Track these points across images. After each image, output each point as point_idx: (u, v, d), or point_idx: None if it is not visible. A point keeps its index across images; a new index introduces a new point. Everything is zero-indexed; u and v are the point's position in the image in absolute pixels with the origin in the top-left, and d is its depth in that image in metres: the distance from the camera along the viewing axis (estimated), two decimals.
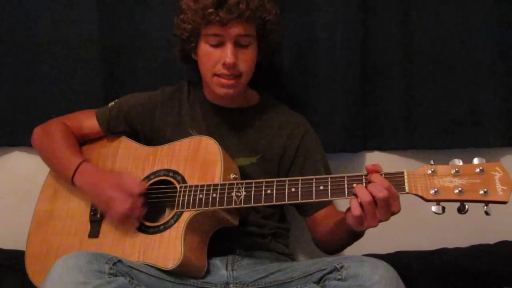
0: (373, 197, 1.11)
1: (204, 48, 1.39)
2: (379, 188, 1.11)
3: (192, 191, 1.30)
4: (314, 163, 1.48)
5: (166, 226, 1.30)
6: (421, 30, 1.67)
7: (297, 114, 1.55)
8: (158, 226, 1.31)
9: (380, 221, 1.14)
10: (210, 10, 1.32)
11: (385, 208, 1.12)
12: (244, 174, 1.40)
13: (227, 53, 1.35)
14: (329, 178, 1.20)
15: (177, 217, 1.29)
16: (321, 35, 1.64)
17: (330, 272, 1.18)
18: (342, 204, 1.45)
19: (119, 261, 1.19)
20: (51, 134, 1.50)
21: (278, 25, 1.44)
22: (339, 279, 1.15)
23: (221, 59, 1.36)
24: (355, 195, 1.14)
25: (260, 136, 1.48)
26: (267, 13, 1.39)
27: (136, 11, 1.68)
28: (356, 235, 1.29)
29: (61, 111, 1.61)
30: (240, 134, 1.48)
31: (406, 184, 1.13)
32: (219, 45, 1.36)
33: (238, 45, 1.37)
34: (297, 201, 1.21)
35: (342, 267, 1.16)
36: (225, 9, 1.32)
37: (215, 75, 1.38)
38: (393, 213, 1.14)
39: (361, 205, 1.13)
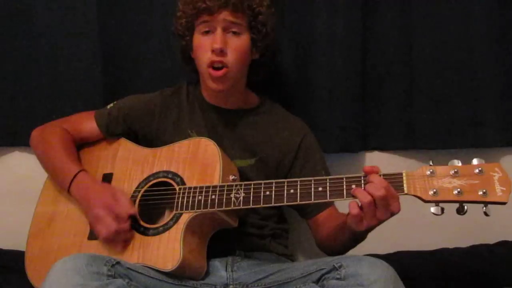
0: (372, 197, 1.11)
1: (197, 39, 1.41)
2: (377, 187, 1.12)
3: (191, 193, 1.29)
4: (313, 166, 1.48)
5: (165, 227, 1.29)
6: (421, 30, 1.66)
7: (296, 117, 1.55)
8: (157, 228, 1.31)
9: (380, 220, 1.14)
10: None
11: (384, 207, 1.12)
12: (242, 176, 1.40)
13: (215, 38, 1.36)
14: (327, 180, 1.20)
15: (176, 218, 1.29)
16: (321, 36, 1.64)
17: (329, 272, 1.18)
18: (341, 206, 1.44)
19: (118, 263, 1.19)
20: (48, 139, 1.49)
21: (271, 19, 1.45)
22: (338, 279, 1.15)
23: (211, 46, 1.37)
24: (354, 197, 1.14)
25: (258, 138, 1.48)
26: (256, 4, 1.41)
27: (137, 12, 1.68)
28: (358, 238, 1.29)
29: (61, 112, 1.62)
30: (238, 135, 1.48)
31: (405, 185, 1.14)
32: (210, 32, 1.39)
33: (228, 32, 1.38)
34: (296, 203, 1.21)
35: (341, 266, 1.16)
36: None
37: (207, 66, 1.39)
38: (393, 213, 1.14)
39: (360, 206, 1.13)
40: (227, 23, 1.37)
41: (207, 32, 1.39)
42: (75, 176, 1.40)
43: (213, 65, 1.38)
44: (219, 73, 1.38)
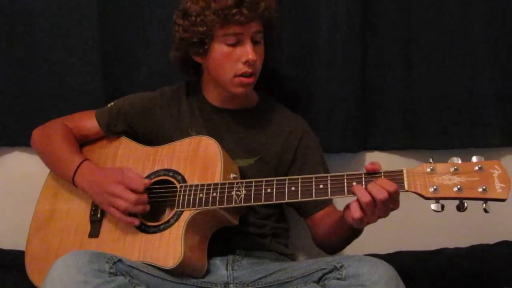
0: (373, 197, 1.11)
1: (221, 49, 1.38)
2: (379, 190, 1.11)
3: (192, 191, 1.30)
4: (313, 164, 1.48)
5: (166, 225, 1.30)
6: (421, 30, 1.66)
7: (296, 115, 1.55)
8: (158, 226, 1.31)
9: (379, 217, 1.15)
10: (234, 10, 1.32)
11: (384, 207, 1.12)
12: (242, 175, 1.40)
13: (249, 51, 1.36)
14: (328, 177, 1.21)
15: (177, 216, 1.30)
16: (321, 35, 1.64)
17: (330, 272, 1.18)
18: (341, 203, 1.45)
19: (119, 260, 1.19)
20: (51, 135, 1.50)
21: (279, 22, 1.46)
22: (338, 279, 1.15)
23: (241, 58, 1.36)
24: (354, 194, 1.15)
25: (258, 137, 1.49)
26: (273, 10, 1.41)
27: (137, 12, 1.69)
28: (355, 233, 1.29)
29: (61, 111, 1.62)
30: (238, 135, 1.48)
31: (405, 182, 1.14)
32: (237, 44, 1.37)
33: (253, 42, 1.38)
34: (297, 200, 1.22)
35: (342, 266, 1.16)
36: (246, 7, 1.32)
37: (236, 75, 1.38)
38: (392, 210, 1.15)
39: (360, 206, 1.13)
40: (254, 34, 1.37)
41: (233, 44, 1.37)
42: (79, 165, 1.40)
43: (243, 75, 1.38)
44: (250, 80, 1.39)
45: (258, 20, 1.37)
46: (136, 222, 1.32)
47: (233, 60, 1.37)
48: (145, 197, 1.32)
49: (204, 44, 1.38)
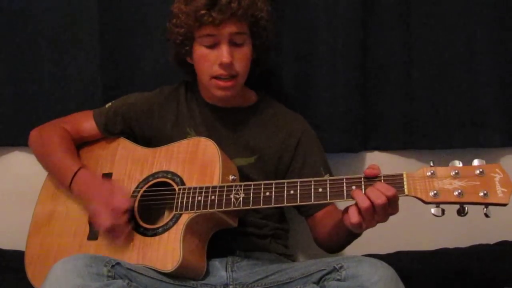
0: (372, 202, 1.11)
1: (199, 51, 1.38)
2: (378, 195, 1.11)
3: (191, 193, 1.29)
4: (313, 162, 1.47)
5: (165, 228, 1.29)
6: (421, 30, 1.66)
7: (295, 113, 1.55)
8: (157, 229, 1.30)
9: (378, 222, 1.14)
10: (203, 11, 1.32)
11: (383, 212, 1.12)
12: (242, 174, 1.40)
13: (223, 53, 1.34)
14: (328, 181, 1.20)
15: (175, 219, 1.29)
16: (321, 35, 1.64)
17: (330, 273, 1.18)
18: (341, 205, 1.44)
19: (118, 263, 1.19)
20: (48, 139, 1.50)
21: (271, 22, 1.44)
22: (338, 280, 1.15)
23: (217, 60, 1.36)
24: (353, 198, 1.14)
25: (258, 136, 1.48)
26: (259, 10, 1.39)
27: (137, 12, 1.68)
28: (354, 234, 1.29)
29: (60, 111, 1.62)
30: (238, 134, 1.48)
31: (405, 186, 1.13)
32: (214, 46, 1.36)
33: (233, 44, 1.36)
34: (296, 203, 1.21)
35: (341, 267, 1.16)
36: (217, 9, 1.31)
37: (212, 77, 1.38)
38: (391, 215, 1.14)
39: (359, 211, 1.13)
40: (232, 36, 1.35)
41: (210, 46, 1.36)
42: (75, 173, 1.40)
43: (220, 77, 1.37)
44: (229, 83, 1.38)
45: (236, 21, 1.35)
46: (120, 240, 1.30)
47: (210, 62, 1.37)
48: (121, 220, 1.29)
49: (186, 45, 1.40)
